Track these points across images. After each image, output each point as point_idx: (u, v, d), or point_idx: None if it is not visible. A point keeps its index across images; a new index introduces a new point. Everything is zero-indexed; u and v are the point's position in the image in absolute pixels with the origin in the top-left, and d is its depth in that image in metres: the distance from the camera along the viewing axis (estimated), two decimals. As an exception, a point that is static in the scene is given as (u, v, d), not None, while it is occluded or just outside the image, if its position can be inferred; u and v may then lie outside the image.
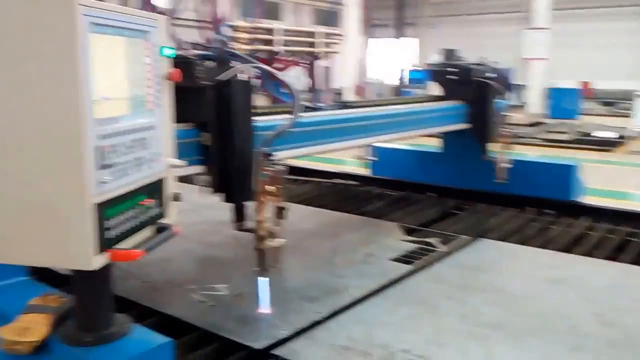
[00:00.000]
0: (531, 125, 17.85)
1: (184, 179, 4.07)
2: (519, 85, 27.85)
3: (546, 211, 4.96)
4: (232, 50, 2.74)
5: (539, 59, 20.82)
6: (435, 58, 5.54)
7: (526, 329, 2.79)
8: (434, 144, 5.72)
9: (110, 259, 1.61)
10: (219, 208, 2.82)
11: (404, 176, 5.84)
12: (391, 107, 4.22)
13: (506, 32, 38.40)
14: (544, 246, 4.12)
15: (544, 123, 17.24)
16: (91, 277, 1.76)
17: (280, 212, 2.77)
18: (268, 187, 2.67)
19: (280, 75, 2.77)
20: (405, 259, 3.71)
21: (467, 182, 5.40)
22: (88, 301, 1.82)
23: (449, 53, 5.55)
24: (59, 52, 1.45)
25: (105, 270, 1.77)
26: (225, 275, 3.33)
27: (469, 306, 3.02)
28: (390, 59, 41.83)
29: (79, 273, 1.77)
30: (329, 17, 42.30)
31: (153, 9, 2.91)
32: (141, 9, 3.04)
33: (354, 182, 5.99)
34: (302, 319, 2.83)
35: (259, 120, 2.86)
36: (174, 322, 2.83)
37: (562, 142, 11.53)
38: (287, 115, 2.75)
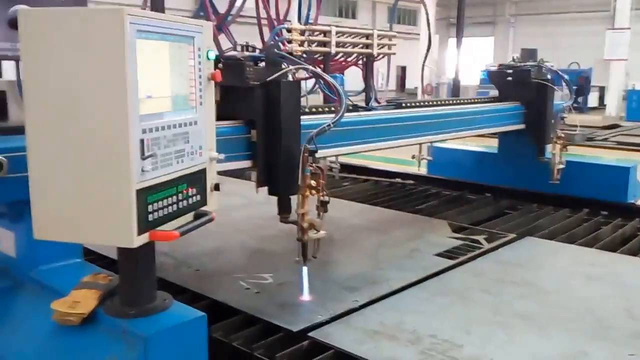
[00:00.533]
0: (607, 127, 17.46)
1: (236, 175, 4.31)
2: (598, 87, 27.22)
3: (601, 212, 4.95)
4: (281, 52, 2.91)
5: (619, 60, 20.32)
6: (514, 58, 5.59)
7: (552, 320, 2.89)
8: (492, 145, 5.79)
9: (150, 238, 1.80)
10: (274, 204, 2.99)
11: (460, 176, 5.93)
12: (443, 107, 4.33)
13: (587, 31, 37.29)
14: (590, 245, 4.15)
15: (620, 126, 16.78)
16: (135, 257, 1.97)
17: (322, 205, 2.93)
18: (311, 182, 2.84)
19: (326, 76, 2.92)
20: (449, 254, 3.82)
21: (522, 182, 5.45)
22: (131, 278, 2.03)
23: (528, 53, 5.61)
24: (110, 57, 1.65)
25: (147, 250, 1.98)
26: (273, 265, 3.52)
27: (501, 298, 3.14)
28: (468, 59, 41.40)
29: (124, 252, 1.98)
30: (406, 16, 42.19)
31: (214, 9, 3.05)
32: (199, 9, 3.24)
33: (411, 182, 6.09)
34: (340, 306, 2.99)
35: (306, 119, 3.04)
36: (222, 307, 3.04)
37: (637, 145, 11.29)
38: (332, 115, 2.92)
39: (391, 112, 3.87)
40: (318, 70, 2.99)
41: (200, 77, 2.01)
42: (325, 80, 2.89)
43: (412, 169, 6.16)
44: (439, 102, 4.51)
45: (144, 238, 1.79)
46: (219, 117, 2.87)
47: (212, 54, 2.05)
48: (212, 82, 2.09)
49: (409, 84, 35.23)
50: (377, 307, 3.02)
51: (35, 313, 2.24)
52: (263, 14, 3.56)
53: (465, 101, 4.87)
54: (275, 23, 3.56)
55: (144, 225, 1.78)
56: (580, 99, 28.26)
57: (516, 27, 42.70)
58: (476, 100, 5.07)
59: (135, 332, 1.92)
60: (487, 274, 3.50)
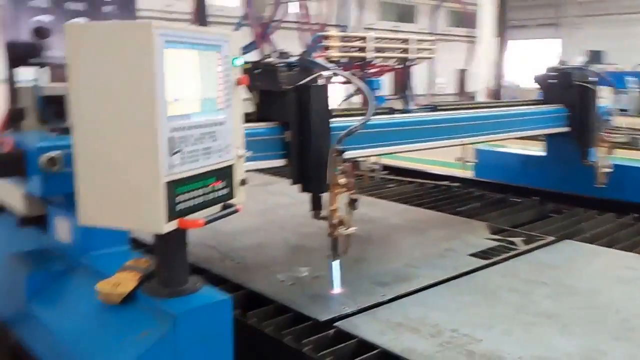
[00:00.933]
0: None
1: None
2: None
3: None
4: (312, 59, 3.10)
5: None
6: (580, 60, 5.65)
7: (576, 319, 2.95)
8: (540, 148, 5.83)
9: (179, 225, 2.02)
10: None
11: (506, 179, 5.96)
12: (479, 110, 4.43)
13: (658, 32, 36.03)
14: (631, 250, 4.15)
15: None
16: (168, 243, 2.19)
17: (352, 203, 3.11)
18: (340, 180, 3.02)
19: (356, 80, 3.10)
20: (483, 255, 3.90)
21: (568, 186, 5.45)
22: (165, 263, 2.24)
23: (594, 55, 5.68)
24: (141, 65, 1.87)
25: (179, 238, 2.20)
26: (310, 260, 3.71)
27: (528, 298, 3.22)
28: (531, 62, 40.64)
29: (158, 239, 2.20)
30: (465, 19, 41.80)
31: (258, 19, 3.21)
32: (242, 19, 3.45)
33: (455, 184, 6.18)
34: (368, 299, 3.15)
35: (336, 121, 3.22)
36: (258, 297, 3.26)
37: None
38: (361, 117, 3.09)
39: (425, 114, 4.01)
40: (347, 74, 3.16)
41: (227, 81, 2.21)
42: (355, 84, 3.07)
43: (459, 172, 6.22)
44: (477, 105, 4.60)
45: (173, 225, 2.00)
46: (258, 119, 3.11)
47: (239, 61, 2.25)
48: (240, 87, 2.29)
49: (470, 87, 34.96)
50: (404, 301, 3.16)
51: (84, 293, 2.48)
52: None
53: (507, 104, 4.96)
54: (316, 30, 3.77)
55: (173, 213, 1.99)
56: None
57: (583, 29, 41.69)
58: (518, 103, 5.13)
59: (167, 310, 2.13)
60: (518, 274, 3.58)
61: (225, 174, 2.26)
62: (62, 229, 2.85)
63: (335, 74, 3.11)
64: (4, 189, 3.08)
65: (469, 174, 6.16)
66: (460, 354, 2.59)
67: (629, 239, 4.47)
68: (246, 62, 3.02)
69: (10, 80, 2.84)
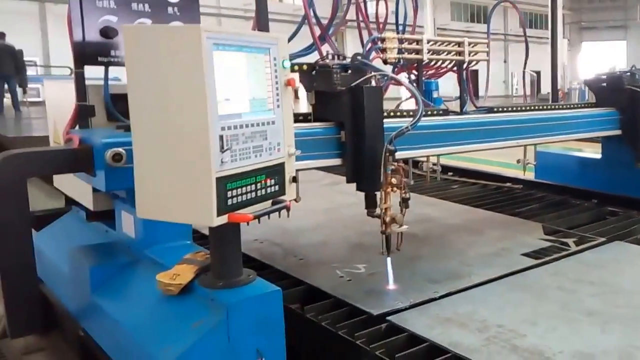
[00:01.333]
0: None
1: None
2: None
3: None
4: (365, 60, 3.19)
5: None
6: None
7: (617, 317, 2.96)
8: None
9: (229, 220, 2.13)
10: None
11: (566, 181, 5.94)
12: (534, 112, 4.45)
13: None
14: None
15: None
16: (221, 237, 2.32)
17: (404, 202, 3.18)
18: (392, 180, 3.09)
19: (405, 81, 3.17)
20: (535, 254, 3.91)
21: (625, 188, 5.41)
22: (220, 256, 2.37)
23: None
24: (192, 66, 2.00)
25: (232, 232, 2.32)
26: (368, 257, 3.78)
27: (574, 296, 3.23)
28: (602, 63, 39.66)
29: (214, 233, 2.32)
30: (539, 20, 41.11)
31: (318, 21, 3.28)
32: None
33: (517, 186, 6.15)
34: (420, 295, 3.21)
35: (390, 122, 3.29)
36: (317, 291, 3.38)
37: None
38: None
39: (479, 116, 4.04)
40: (397, 76, 3.24)
41: (277, 82, 2.32)
42: (405, 86, 3.14)
43: (521, 174, 6.18)
44: (533, 107, 4.59)
45: (223, 219, 2.12)
46: (315, 119, 3.22)
47: (287, 63, 2.36)
48: (290, 88, 2.39)
49: (544, 89, 34.36)
50: (455, 298, 3.21)
51: (145, 284, 2.63)
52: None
53: (562, 107, 4.96)
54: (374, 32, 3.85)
55: (223, 208, 2.11)
56: None
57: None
58: (573, 106, 5.12)
59: (220, 301, 2.26)
60: (566, 273, 3.58)
61: (276, 171, 2.36)
62: (127, 223, 3.03)
63: (386, 76, 3.17)
64: (74, 185, 3.27)
65: (530, 175, 6.12)
66: (504, 348, 2.63)
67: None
68: (303, 64, 3.16)
69: (79, 78, 3.00)
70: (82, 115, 3.03)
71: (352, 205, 5.14)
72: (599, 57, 43.15)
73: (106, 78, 3.04)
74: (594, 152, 6.18)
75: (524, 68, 5.21)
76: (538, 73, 37.57)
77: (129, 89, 2.15)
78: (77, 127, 3.06)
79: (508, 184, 6.25)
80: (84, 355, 3.09)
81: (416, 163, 5.40)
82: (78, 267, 3.04)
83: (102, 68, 3.03)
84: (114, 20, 2.96)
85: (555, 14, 5.67)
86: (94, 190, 3.08)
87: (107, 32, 2.95)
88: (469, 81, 4.27)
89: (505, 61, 36.32)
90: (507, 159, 6.01)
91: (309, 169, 3.25)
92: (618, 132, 5.16)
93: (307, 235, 4.37)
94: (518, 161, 5.45)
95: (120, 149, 2.61)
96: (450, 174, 6.85)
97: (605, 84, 5.32)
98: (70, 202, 3.77)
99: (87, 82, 3.03)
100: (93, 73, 3.07)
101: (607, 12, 42.63)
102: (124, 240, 3.06)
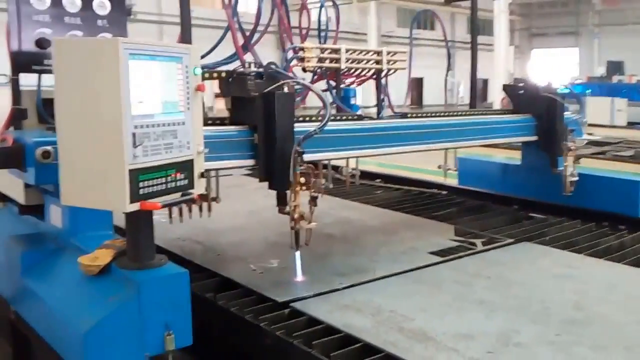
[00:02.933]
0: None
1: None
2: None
3: (603, 224, 5.24)
4: (277, 69, 3.50)
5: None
6: (599, 71, 5.97)
7: (502, 306, 3.32)
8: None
9: (140, 207, 2.42)
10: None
11: (488, 186, 6.31)
12: (446, 118, 4.83)
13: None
14: (582, 252, 4.47)
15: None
16: (135, 224, 2.61)
17: (312, 200, 3.50)
18: (301, 179, 3.41)
19: (314, 88, 3.51)
20: (442, 253, 4.27)
21: (541, 194, 5.75)
22: (135, 240, 2.65)
23: (614, 65, 5.96)
24: (110, 73, 2.29)
25: (145, 220, 2.61)
26: (282, 254, 4.07)
27: (468, 288, 3.59)
28: (552, 70, 40.57)
29: (129, 221, 2.61)
30: (485, 27, 42.05)
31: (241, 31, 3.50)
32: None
33: (436, 191, 6.54)
34: (326, 286, 3.55)
35: (303, 126, 3.61)
36: (230, 282, 3.70)
37: None
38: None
39: (392, 121, 4.39)
40: (307, 83, 3.57)
41: (188, 88, 2.62)
42: (315, 92, 3.48)
43: (448, 180, 6.53)
44: (447, 114, 4.94)
45: (135, 206, 2.41)
46: (231, 123, 3.52)
47: (198, 70, 2.66)
48: (200, 92, 2.69)
49: (490, 97, 35.23)
50: (356, 289, 3.55)
51: (69, 267, 2.89)
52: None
53: (478, 113, 5.33)
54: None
55: (136, 196, 2.40)
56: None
57: (601, 38, 41.57)
58: (489, 112, 5.49)
59: (133, 279, 2.55)
60: (466, 269, 3.94)
61: (185, 166, 2.66)
62: (55, 216, 3.28)
63: (297, 83, 3.50)
64: (7, 182, 3.51)
65: (454, 182, 6.50)
66: (392, 329, 2.98)
67: (585, 242, 4.77)
68: (222, 72, 3.46)
69: (14, 85, 3.28)
70: (16, 117, 3.30)
71: (273, 207, 5.43)
72: (551, 64, 43.98)
73: (39, 84, 3.30)
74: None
75: (446, 75, 5.53)
76: (485, 80, 38.59)
77: (55, 93, 2.43)
78: (11, 129, 3.31)
79: (434, 190, 6.62)
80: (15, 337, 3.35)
81: (336, 168, 5.71)
82: (10, 254, 3.29)
83: (36, 75, 3.31)
84: (49, 32, 3.24)
85: (476, 21, 6.02)
86: (26, 185, 3.33)
87: (42, 43, 3.23)
88: (387, 88, 4.57)
89: (450, 68, 37.08)
90: (434, 167, 6.34)
91: (223, 168, 3.54)
92: (534, 138, 5.50)
93: (228, 235, 4.69)
94: (439, 167, 5.82)
95: (49, 147, 2.86)
96: (378, 180, 7.22)
97: (522, 92, 5.65)
98: (4, 198, 4.00)
99: (21, 88, 3.30)
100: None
101: (558, 18, 43.52)
102: (52, 230, 3.30)
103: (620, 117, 27.96)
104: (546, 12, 45.03)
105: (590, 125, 25.74)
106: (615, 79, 31.77)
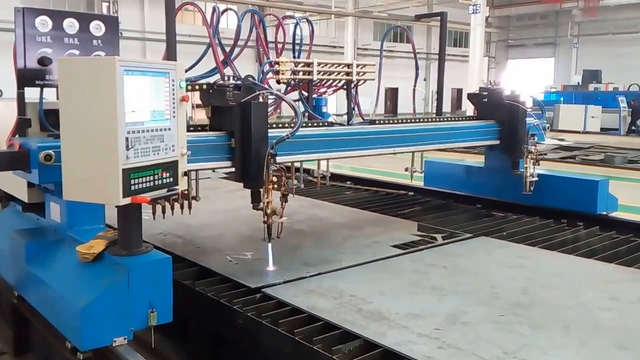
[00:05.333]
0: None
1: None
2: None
3: (561, 220, 5.68)
4: (254, 81, 3.91)
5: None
6: (575, 79, 6.31)
7: (455, 291, 3.71)
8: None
9: (132, 201, 2.84)
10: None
11: (452, 187, 6.76)
12: (412, 124, 5.26)
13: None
14: (536, 245, 4.87)
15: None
16: (125, 216, 3.03)
17: (283, 197, 3.92)
18: (273, 178, 3.82)
19: (286, 98, 3.94)
20: (404, 246, 4.67)
21: (503, 194, 6.20)
22: (124, 231, 3.07)
23: (591, 74, 6.35)
24: (108, 86, 2.70)
25: (134, 213, 3.03)
26: (256, 247, 4.47)
27: (424, 276, 3.99)
28: (528, 80, 41.52)
29: (120, 213, 3.02)
30: (461, 38, 42.85)
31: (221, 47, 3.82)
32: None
33: (404, 192, 6.98)
34: (294, 275, 3.94)
35: (277, 131, 4.03)
36: (208, 271, 4.09)
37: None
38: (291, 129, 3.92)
39: (360, 127, 4.83)
40: (280, 94, 4.00)
41: (174, 99, 3.04)
42: (286, 102, 3.90)
43: (414, 182, 6.87)
44: (413, 120, 5.36)
45: (127, 200, 2.83)
46: (211, 129, 3.93)
47: (183, 84, 3.08)
48: (184, 102, 3.11)
49: (464, 106, 35.98)
50: (322, 277, 3.96)
51: (68, 256, 3.31)
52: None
53: (444, 119, 5.77)
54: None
55: (128, 192, 2.82)
56: (639, 122, 28.30)
57: (579, 48, 42.51)
58: (454, 119, 5.92)
59: (123, 264, 2.97)
60: (425, 260, 4.35)
61: (170, 166, 3.08)
62: (54, 212, 3.69)
63: (271, 94, 3.92)
64: (12, 182, 3.92)
65: (420, 183, 6.93)
66: (352, 310, 3.39)
67: (541, 237, 5.18)
68: (203, 84, 3.88)
69: (20, 98, 3.71)
70: (22, 126, 3.72)
71: (248, 206, 5.83)
72: (527, 74, 44.76)
73: (41, 97, 3.72)
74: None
75: (414, 86, 5.95)
76: (460, 90, 39.40)
77: (60, 104, 2.85)
78: (17, 136, 3.72)
79: (401, 191, 7.06)
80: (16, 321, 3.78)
81: (308, 170, 6.12)
82: (15, 245, 3.70)
83: (38, 89, 3.73)
84: (49, 52, 3.67)
85: (444, 35, 6.44)
86: (29, 185, 3.75)
87: (44, 61, 3.66)
88: (357, 97, 4.99)
89: (425, 79, 37.83)
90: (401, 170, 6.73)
91: (203, 169, 3.95)
92: (497, 142, 5.93)
93: (207, 230, 5.11)
94: (406, 169, 6.22)
95: (50, 151, 3.27)
96: (349, 182, 7.65)
97: (486, 99, 6.08)
98: (7, 198, 4.40)
99: (28, 101, 3.74)
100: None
101: (536, 30, 44.35)
102: (52, 225, 3.72)
103: (593, 124, 28.73)
104: (525, 24, 45.98)
105: (563, 131, 26.55)
106: (592, 87, 32.69)
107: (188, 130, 3.46)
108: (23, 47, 3.60)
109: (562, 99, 31.58)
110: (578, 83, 34.41)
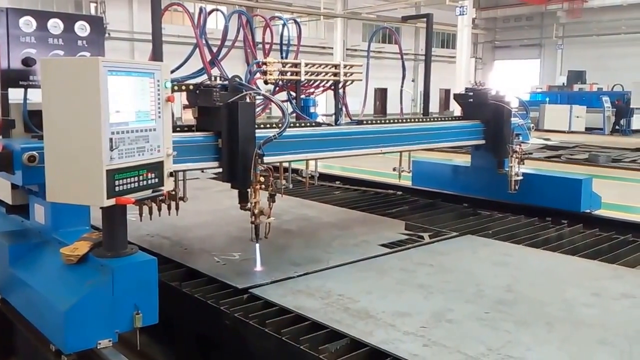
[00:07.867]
0: (636, 150, 18.14)
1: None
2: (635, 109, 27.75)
3: (546, 219, 5.72)
4: (240, 81, 3.89)
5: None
6: (561, 80, 6.35)
7: (441, 289, 3.74)
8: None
9: (116, 202, 2.81)
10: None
11: (439, 187, 6.80)
12: (399, 124, 5.29)
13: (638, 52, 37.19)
14: (521, 243, 4.92)
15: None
16: (111, 218, 3.00)
17: (271, 197, 3.91)
18: (260, 179, 3.81)
19: (273, 99, 3.93)
20: (392, 245, 4.69)
21: (489, 193, 6.25)
22: (110, 232, 3.04)
23: (576, 75, 6.38)
24: (91, 87, 2.68)
25: (119, 214, 3.00)
26: (244, 248, 4.45)
27: (411, 274, 4.01)
28: (514, 81, 42.00)
29: (105, 215, 3.00)
30: (448, 40, 43.07)
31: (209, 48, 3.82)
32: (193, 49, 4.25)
33: (392, 191, 6.99)
34: (282, 275, 3.94)
35: (265, 132, 4.01)
36: (195, 272, 4.07)
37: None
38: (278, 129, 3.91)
39: (347, 127, 4.83)
40: (267, 94, 3.99)
41: (159, 99, 3.02)
42: (274, 102, 3.89)
43: (403, 181, 6.90)
44: (399, 120, 5.39)
45: (112, 201, 2.80)
46: (197, 129, 3.91)
47: (168, 84, 3.06)
48: (169, 102, 3.09)
49: (452, 106, 36.19)
50: (310, 276, 3.96)
51: (52, 258, 3.27)
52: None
53: (430, 119, 5.79)
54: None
55: (112, 193, 2.79)
56: (622, 121, 28.67)
57: (564, 49, 42.94)
58: (440, 119, 5.97)
59: (108, 266, 2.95)
60: (412, 258, 4.37)
61: (156, 167, 3.06)
62: (38, 214, 3.65)
63: (258, 94, 3.91)
64: None
65: (408, 183, 6.95)
66: (339, 309, 3.39)
67: (526, 235, 5.24)
68: (190, 84, 3.86)
69: (3, 99, 3.67)
70: (5, 127, 3.69)
71: (236, 207, 5.83)
72: (513, 75, 45.22)
73: (25, 98, 3.68)
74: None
75: (402, 87, 5.95)
76: (448, 91, 39.67)
77: (43, 105, 2.82)
78: (1, 137, 3.69)
79: (389, 190, 7.07)
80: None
81: (297, 170, 6.12)
82: (-1, 248, 3.66)
83: (22, 90, 3.69)
84: (34, 52, 3.64)
85: (430, 37, 6.48)
86: (13, 187, 3.71)
87: (28, 62, 3.63)
88: (344, 97, 4.99)
89: (413, 80, 38.03)
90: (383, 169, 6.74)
91: (190, 169, 3.93)
92: (482, 142, 5.98)
93: (194, 231, 5.09)
94: (394, 169, 6.23)
95: (34, 152, 3.25)
96: (337, 182, 7.65)
97: (471, 99, 6.13)
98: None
99: (11, 102, 3.70)
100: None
101: (522, 32, 44.81)
102: (36, 227, 3.68)
103: (578, 124, 29.08)
104: (511, 25, 46.47)
105: (548, 131, 26.78)
106: (576, 87, 33.04)
107: (174, 131, 3.44)
108: (7, 48, 3.57)
109: (547, 99, 31.96)
110: (563, 83, 35.03)
